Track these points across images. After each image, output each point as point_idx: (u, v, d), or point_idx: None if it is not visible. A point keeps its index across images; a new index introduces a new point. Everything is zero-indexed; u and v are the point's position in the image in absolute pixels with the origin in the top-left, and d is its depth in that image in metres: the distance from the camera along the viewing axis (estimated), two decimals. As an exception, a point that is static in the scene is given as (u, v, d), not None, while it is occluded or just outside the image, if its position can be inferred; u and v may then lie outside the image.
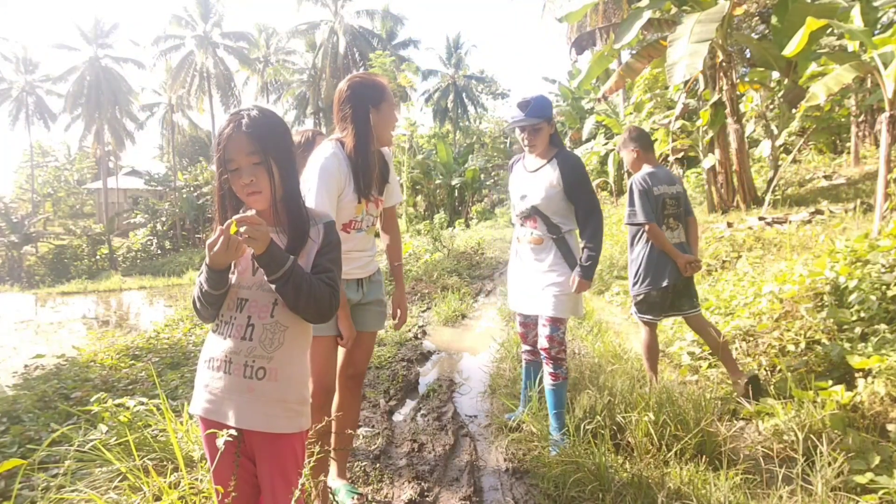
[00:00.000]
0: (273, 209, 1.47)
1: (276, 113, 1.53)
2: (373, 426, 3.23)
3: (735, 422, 2.89)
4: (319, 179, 2.06)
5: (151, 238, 30.91)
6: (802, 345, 3.30)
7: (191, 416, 2.60)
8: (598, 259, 2.78)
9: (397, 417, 3.48)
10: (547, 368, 2.79)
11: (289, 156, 1.46)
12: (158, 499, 1.92)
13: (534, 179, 2.90)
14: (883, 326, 3.10)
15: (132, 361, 4.46)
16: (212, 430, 1.38)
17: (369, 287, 2.31)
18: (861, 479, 2.18)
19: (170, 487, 1.94)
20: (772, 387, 3.10)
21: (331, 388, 2.23)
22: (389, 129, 2.20)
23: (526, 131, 2.88)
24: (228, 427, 1.38)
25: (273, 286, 1.38)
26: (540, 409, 2.96)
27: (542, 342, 2.81)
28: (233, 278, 1.45)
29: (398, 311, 2.46)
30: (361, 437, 3.06)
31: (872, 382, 2.72)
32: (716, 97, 9.40)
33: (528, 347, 3.15)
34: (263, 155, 1.40)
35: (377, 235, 2.46)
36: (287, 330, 1.43)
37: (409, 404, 3.72)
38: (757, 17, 13.10)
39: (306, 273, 1.41)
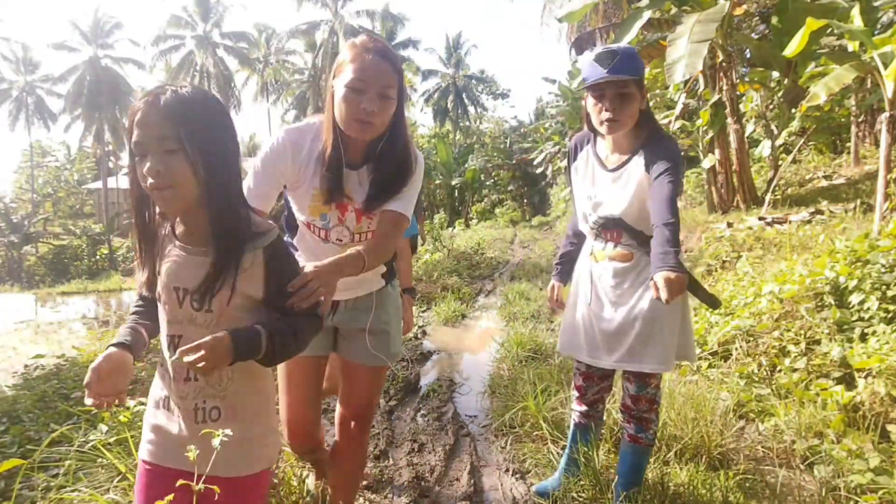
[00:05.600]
0: (202, 215, 1.15)
1: (217, 98, 1.20)
2: (373, 426, 3.24)
3: (735, 422, 2.89)
4: (259, 157, 1.62)
5: (151, 238, 30.89)
6: (802, 345, 3.30)
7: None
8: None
9: (397, 417, 3.48)
10: (626, 428, 2.06)
11: (220, 149, 1.14)
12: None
13: (614, 183, 1.96)
14: (883, 326, 3.10)
15: (132, 361, 4.45)
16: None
17: (349, 314, 1.78)
18: (861, 479, 2.18)
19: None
20: (773, 387, 3.10)
21: (304, 435, 1.86)
22: (342, 111, 1.52)
23: (607, 98, 1.85)
24: (181, 472, 1.14)
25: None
26: (584, 475, 2.26)
27: (625, 401, 2.05)
28: (161, 312, 1.24)
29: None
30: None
31: (872, 382, 2.72)
32: (716, 97, 9.40)
33: (583, 408, 2.22)
34: (180, 142, 1.07)
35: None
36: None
37: (409, 404, 3.72)
38: (757, 17, 13.09)
39: (284, 327, 1.17)
